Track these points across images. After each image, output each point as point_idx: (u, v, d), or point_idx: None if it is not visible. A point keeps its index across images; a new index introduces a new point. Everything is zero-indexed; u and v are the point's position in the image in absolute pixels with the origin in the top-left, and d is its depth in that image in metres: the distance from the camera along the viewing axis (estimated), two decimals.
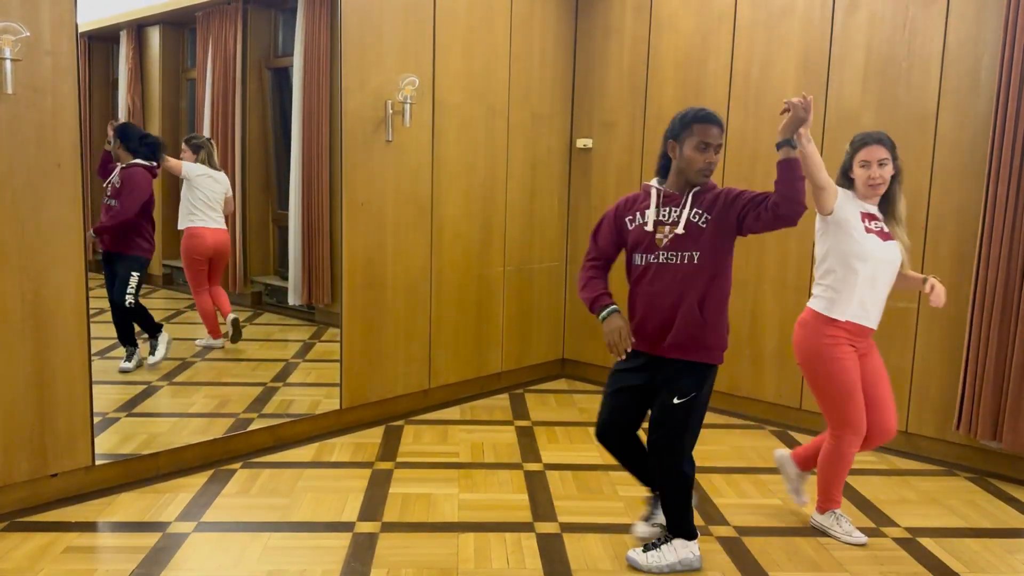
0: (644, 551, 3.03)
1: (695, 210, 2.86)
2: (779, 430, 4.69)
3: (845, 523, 3.33)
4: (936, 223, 4.15)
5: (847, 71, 4.38)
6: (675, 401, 2.88)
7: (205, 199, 4.96)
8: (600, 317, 2.89)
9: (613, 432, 3.08)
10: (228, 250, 5.15)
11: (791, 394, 4.73)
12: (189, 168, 4.93)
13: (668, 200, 2.91)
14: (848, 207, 3.11)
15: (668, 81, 5.07)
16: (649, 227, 2.91)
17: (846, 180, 3.19)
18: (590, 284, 3.00)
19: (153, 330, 4.78)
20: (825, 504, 3.37)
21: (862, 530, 3.39)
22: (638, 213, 2.96)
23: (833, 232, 3.12)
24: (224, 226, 5.05)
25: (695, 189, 2.89)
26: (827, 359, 3.13)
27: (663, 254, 2.88)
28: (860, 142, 3.14)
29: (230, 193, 5.05)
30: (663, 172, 3.00)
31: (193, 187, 4.91)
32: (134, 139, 4.63)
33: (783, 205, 2.68)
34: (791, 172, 2.68)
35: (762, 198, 2.77)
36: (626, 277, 3.03)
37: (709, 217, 2.84)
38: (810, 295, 3.28)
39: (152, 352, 4.75)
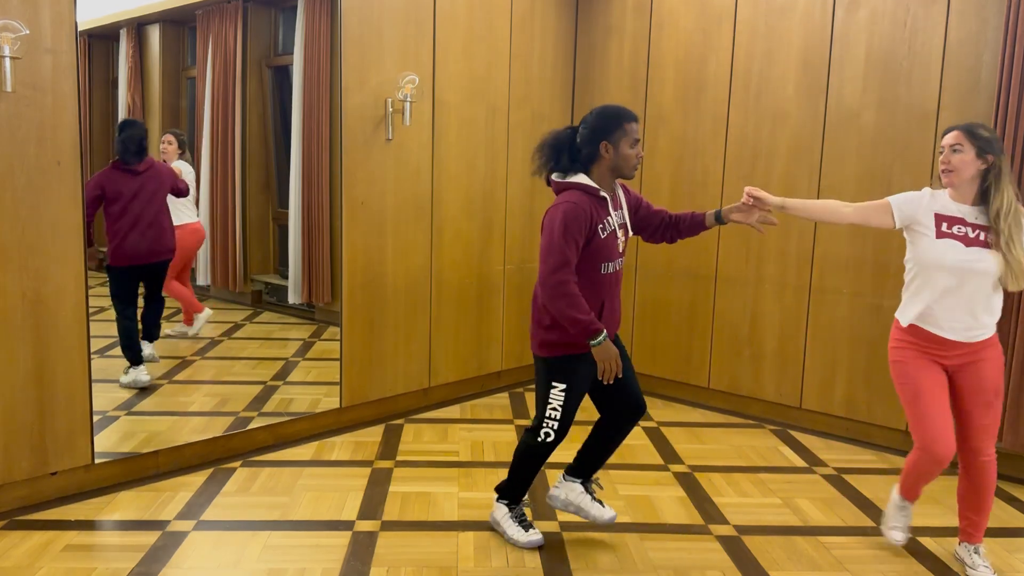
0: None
1: (622, 212, 3.08)
2: (779, 429, 4.69)
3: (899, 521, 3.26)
4: None
5: (847, 69, 4.37)
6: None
7: (191, 195, 4.99)
8: (595, 343, 2.85)
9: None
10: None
11: (791, 393, 4.73)
12: (182, 167, 4.92)
13: (614, 203, 3.05)
14: (919, 210, 2.96)
15: (668, 80, 5.07)
16: (619, 233, 3.02)
17: None
18: (581, 304, 2.85)
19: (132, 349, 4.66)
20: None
21: (862, 529, 3.39)
22: (607, 219, 2.97)
23: (908, 237, 3.04)
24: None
25: (618, 189, 3.08)
26: (891, 361, 3.06)
27: (620, 261, 3.06)
28: (945, 130, 2.96)
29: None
30: (576, 169, 2.99)
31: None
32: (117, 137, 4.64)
33: (681, 237, 3.20)
34: (702, 229, 3.17)
35: (660, 220, 3.18)
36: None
37: (628, 218, 3.11)
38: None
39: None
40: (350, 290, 4.43)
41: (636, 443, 4.39)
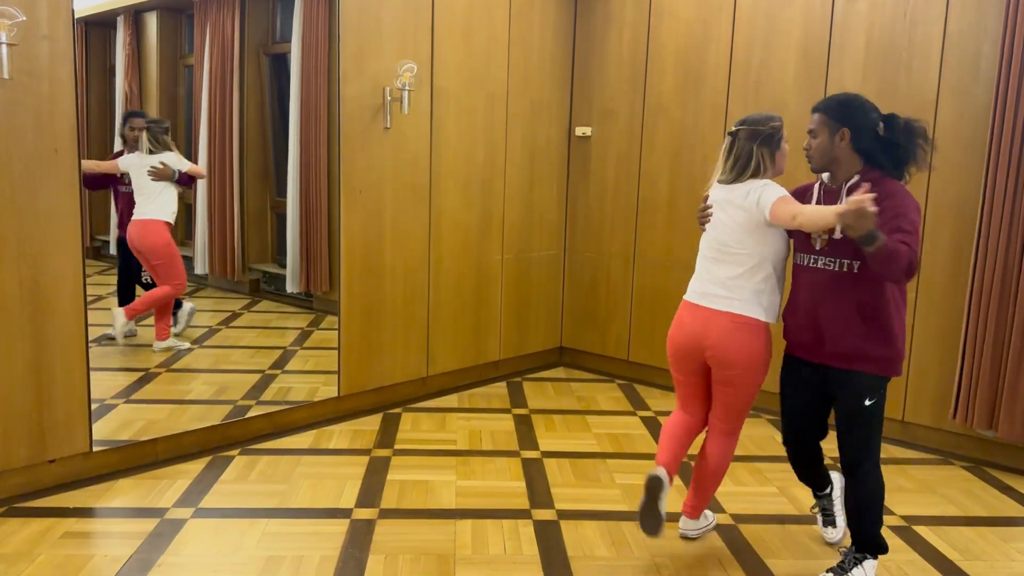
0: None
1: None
2: (775, 419, 4.70)
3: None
4: (935, 211, 4.15)
5: (847, 59, 4.36)
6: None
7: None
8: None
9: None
10: None
11: None
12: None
13: (828, 195, 2.82)
14: None
15: (668, 69, 5.05)
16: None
17: None
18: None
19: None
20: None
21: None
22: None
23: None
24: None
25: (851, 181, 2.75)
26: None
27: (819, 258, 2.78)
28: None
29: None
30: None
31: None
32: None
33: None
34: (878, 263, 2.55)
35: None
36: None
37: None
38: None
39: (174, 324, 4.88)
40: (348, 279, 4.43)
41: (634, 432, 4.41)
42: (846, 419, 2.82)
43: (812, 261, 2.80)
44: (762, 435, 4.43)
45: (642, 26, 5.14)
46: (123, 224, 4.76)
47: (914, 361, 4.26)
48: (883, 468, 3.99)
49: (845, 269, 2.72)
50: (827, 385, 2.86)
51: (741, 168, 2.88)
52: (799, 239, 2.86)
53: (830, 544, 3.20)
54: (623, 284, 5.39)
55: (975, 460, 4.12)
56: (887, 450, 4.26)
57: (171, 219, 4.74)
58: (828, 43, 4.42)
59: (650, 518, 2.86)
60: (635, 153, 5.25)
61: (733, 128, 2.92)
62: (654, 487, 2.84)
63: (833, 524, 3.22)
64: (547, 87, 5.37)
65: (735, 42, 4.76)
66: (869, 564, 2.85)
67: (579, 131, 5.50)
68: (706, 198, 2.99)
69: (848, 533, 2.98)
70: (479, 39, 4.89)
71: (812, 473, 3.11)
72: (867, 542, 2.85)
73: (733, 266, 2.88)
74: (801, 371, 2.92)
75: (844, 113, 2.77)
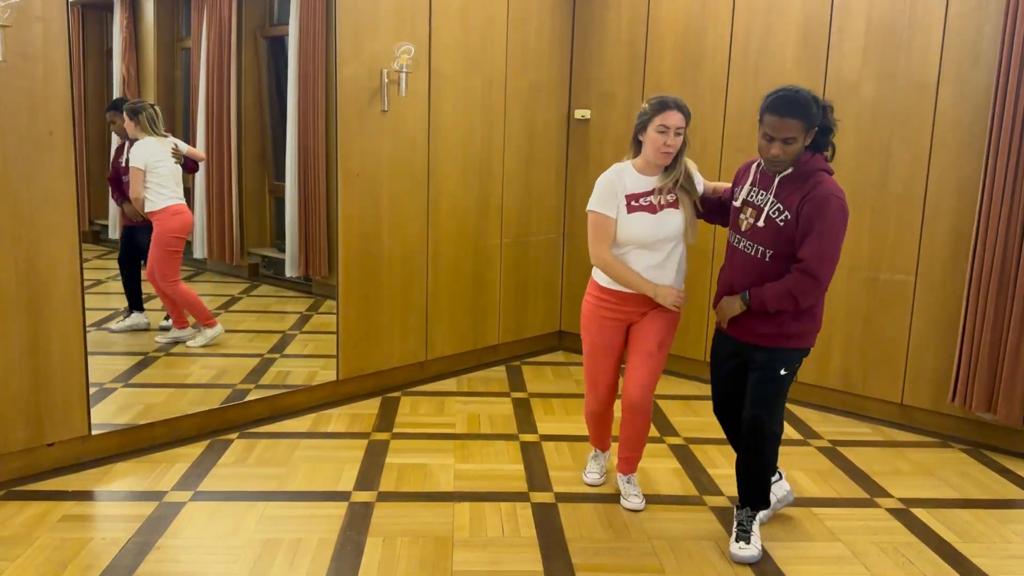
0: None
1: (777, 204, 2.79)
2: None
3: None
4: (935, 195, 4.13)
5: (847, 41, 4.33)
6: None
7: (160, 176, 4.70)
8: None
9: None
10: None
11: None
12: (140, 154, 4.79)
13: (763, 180, 2.89)
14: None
15: (667, 51, 5.02)
16: (743, 209, 2.91)
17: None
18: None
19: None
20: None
21: (856, 500, 3.42)
22: (739, 187, 2.97)
23: None
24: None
25: (783, 174, 2.81)
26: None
27: (744, 241, 2.90)
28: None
29: None
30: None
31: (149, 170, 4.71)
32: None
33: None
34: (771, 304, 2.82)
35: (798, 261, 2.77)
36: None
37: (788, 217, 2.76)
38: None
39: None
40: (346, 263, 4.42)
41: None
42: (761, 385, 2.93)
43: (736, 241, 2.94)
44: None
45: (641, 7, 5.10)
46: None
47: (913, 344, 4.26)
48: (882, 451, 4.02)
49: (759, 256, 2.84)
50: (746, 357, 2.97)
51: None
52: (732, 219, 2.97)
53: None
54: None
55: (973, 443, 4.12)
56: (885, 432, 4.26)
57: None
58: (828, 25, 4.38)
59: None
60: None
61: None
62: None
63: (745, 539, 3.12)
64: (545, 69, 5.33)
65: (735, 23, 4.72)
66: (758, 519, 3.06)
67: (578, 114, 5.47)
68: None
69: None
70: (477, 21, 4.85)
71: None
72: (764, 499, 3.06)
73: None
74: (726, 346, 3.05)
75: (815, 115, 2.74)
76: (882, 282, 4.31)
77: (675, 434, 4.16)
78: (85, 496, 3.27)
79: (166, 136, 4.64)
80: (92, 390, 3.57)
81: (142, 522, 3.06)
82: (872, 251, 4.33)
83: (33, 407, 3.36)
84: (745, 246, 2.87)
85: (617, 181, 3.09)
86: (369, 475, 3.55)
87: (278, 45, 5.27)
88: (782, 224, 2.76)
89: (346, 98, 4.28)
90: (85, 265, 3.47)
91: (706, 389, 4.92)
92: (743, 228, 2.88)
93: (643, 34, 5.12)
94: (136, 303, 4.82)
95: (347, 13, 4.23)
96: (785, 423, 4.35)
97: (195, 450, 3.74)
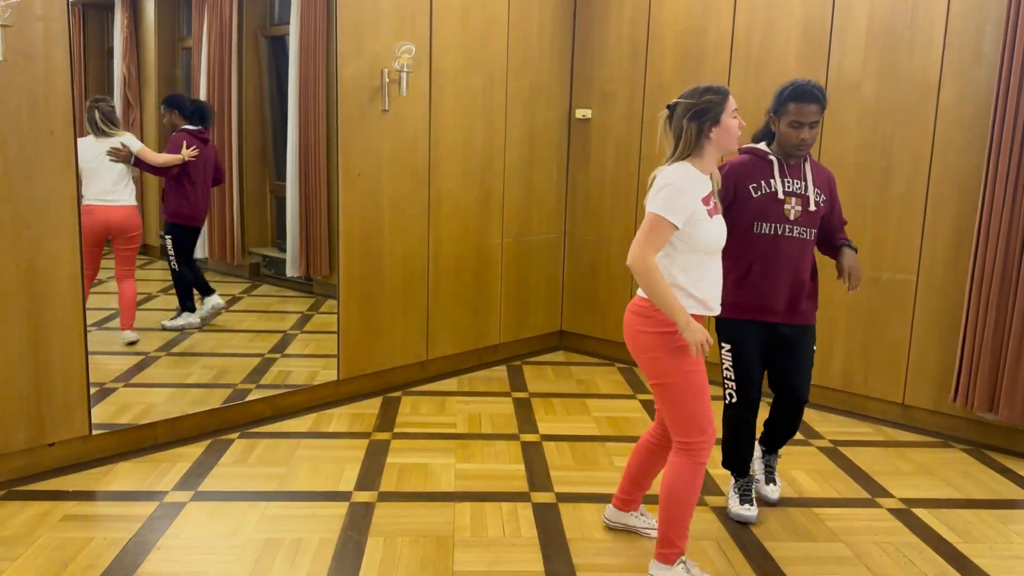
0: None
1: (815, 188, 3.09)
2: None
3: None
4: (936, 194, 4.12)
5: (849, 40, 4.32)
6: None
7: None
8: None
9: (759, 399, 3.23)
10: None
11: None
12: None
13: (791, 172, 3.09)
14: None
15: (668, 50, 5.01)
16: (788, 199, 3.06)
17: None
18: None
19: (191, 297, 4.88)
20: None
21: (857, 500, 3.41)
22: (768, 180, 3.06)
23: None
24: None
25: (807, 161, 3.11)
26: None
27: (789, 227, 3.06)
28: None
29: None
30: (759, 140, 3.19)
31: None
32: (187, 106, 4.72)
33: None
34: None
35: (830, 233, 3.21)
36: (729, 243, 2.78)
37: (824, 198, 3.13)
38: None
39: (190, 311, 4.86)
40: (347, 263, 4.42)
41: (633, 416, 4.40)
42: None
43: (787, 231, 3.06)
44: (761, 419, 4.41)
45: (643, 6, 5.10)
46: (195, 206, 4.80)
47: (915, 344, 4.25)
48: (883, 451, 4.02)
49: (809, 237, 3.10)
50: (791, 339, 3.15)
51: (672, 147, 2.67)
52: (768, 211, 3.05)
53: (773, 503, 3.36)
54: (623, 268, 5.34)
55: (975, 443, 4.11)
56: (886, 432, 4.26)
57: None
58: (830, 24, 4.37)
59: None
60: (635, 135, 5.21)
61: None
62: None
63: (775, 481, 3.43)
64: (547, 69, 5.33)
65: (736, 22, 4.72)
66: None
67: (579, 113, 5.47)
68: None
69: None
70: (478, 20, 4.85)
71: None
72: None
73: None
74: (760, 334, 3.14)
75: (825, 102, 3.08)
76: (884, 282, 4.31)
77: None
78: (86, 496, 3.27)
79: (112, 134, 4.45)
80: (93, 390, 3.57)
81: (143, 522, 3.05)
82: (873, 251, 4.32)
83: (34, 407, 3.36)
84: (799, 232, 3.06)
85: (696, 186, 2.62)
86: (370, 475, 3.55)
87: (279, 44, 5.27)
88: (822, 205, 3.10)
89: (347, 97, 4.27)
90: (83, 264, 3.46)
91: (710, 390, 4.90)
92: (792, 217, 3.05)
93: (644, 33, 5.11)
94: (203, 290, 4.95)
95: (348, 12, 4.22)
96: None
97: (196, 450, 3.73)
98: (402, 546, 2.95)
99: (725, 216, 2.83)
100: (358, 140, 4.36)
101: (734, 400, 3.15)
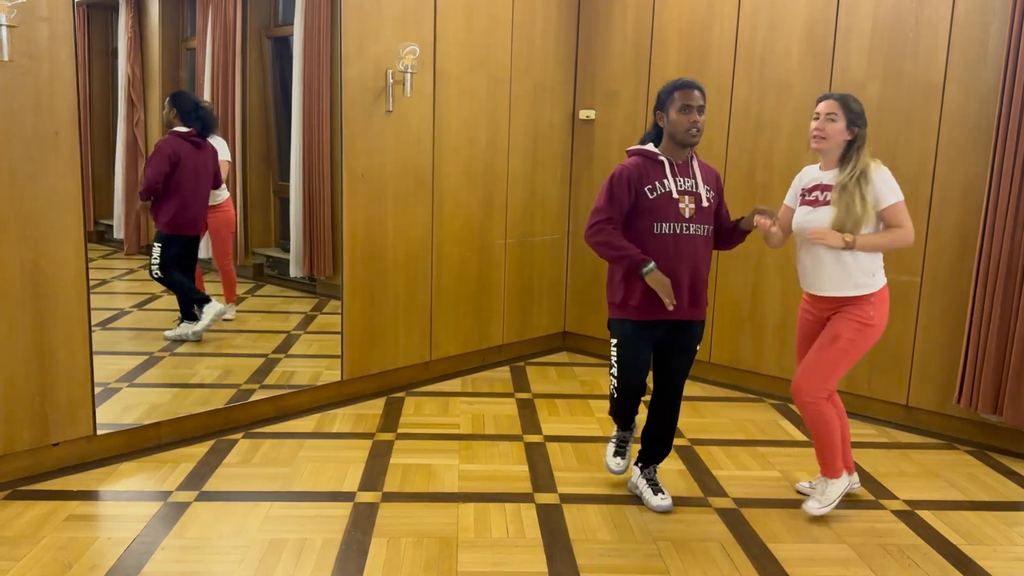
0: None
1: (706, 186, 3.18)
2: (779, 403, 4.70)
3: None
4: (941, 196, 4.12)
5: (853, 40, 4.32)
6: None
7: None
8: (645, 272, 3.05)
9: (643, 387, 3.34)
10: None
11: (792, 367, 4.71)
12: (225, 151, 4.91)
13: (680, 170, 3.17)
14: (796, 186, 3.34)
15: (672, 50, 5.01)
16: (682, 198, 3.13)
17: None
18: (622, 242, 3.10)
19: (190, 305, 4.80)
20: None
21: (861, 502, 3.41)
22: (660, 181, 3.12)
23: None
24: None
25: (693, 160, 3.20)
26: None
27: (687, 225, 3.13)
28: (819, 98, 3.25)
29: None
30: (648, 139, 3.26)
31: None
32: (189, 108, 4.63)
33: (723, 247, 3.35)
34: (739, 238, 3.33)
35: (720, 224, 3.27)
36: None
37: (713, 194, 3.22)
38: None
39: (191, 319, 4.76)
40: (351, 263, 4.42)
41: (636, 417, 4.39)
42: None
43: (684, 229, 3.13)
44: (765, 419, 4.43)
45: (646, 6, 5.10)
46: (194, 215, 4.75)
47: (919, 345, 4.25)
48: (887, 452, 4.01)
49: (706, 233, 3.18)
50: (682, 334, 3.24)
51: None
52: (664, 211, 3.12)
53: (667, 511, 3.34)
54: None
55: (979, 444, 4.11)
56: (890, 434, 4.25)
57: None
58: (834, 23, 4.37)
59: None
60: (639, 135, 5.18)
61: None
62: None
63: (663, 491, 3.41)
64: (550, 69, 5.33)
65: (740, 22, 4.72)
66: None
67: (583, 114, 5.47)
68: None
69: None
70: (482, 20, 4.85)
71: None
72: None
73: None
74: (656, 330, 3.22)
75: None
76: (888, 282, 4.28)
77: (680, 435, 4.15)
78: (90, 496, 3.28)
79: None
80: (97, 390, 3.58)
81: (147, 522, 3.06)
82: None
83: (38, 407, 3.36)
84: (695, 229, 3.14)
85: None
86: (374, 475, 3.55)
87: (283, 45, 5.28)
88: (713, 201, 3.19)
89: (351, 98, 4.28)
90: (90, 265, 3.47)
91: (711, 390, 4.92)
92: (688, 215, 3.12)
93: (648, 33, 5.11)
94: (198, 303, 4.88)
95: (352, 13, 4.23)
96: (789, 424, 4.36)
97: (200, 450, 3.74)
98: (406, 547, 2.96)
99: (626, 220, 3.14)
100: (362, 141, 4.36)
101: (616, 396, 3.32)
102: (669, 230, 3.11)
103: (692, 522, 3.23)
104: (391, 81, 4.38)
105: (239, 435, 3.94)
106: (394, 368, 4.73)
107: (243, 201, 5.27)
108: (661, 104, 3.15)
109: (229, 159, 4.98)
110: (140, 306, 5.11)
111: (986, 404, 3.94)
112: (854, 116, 3.11)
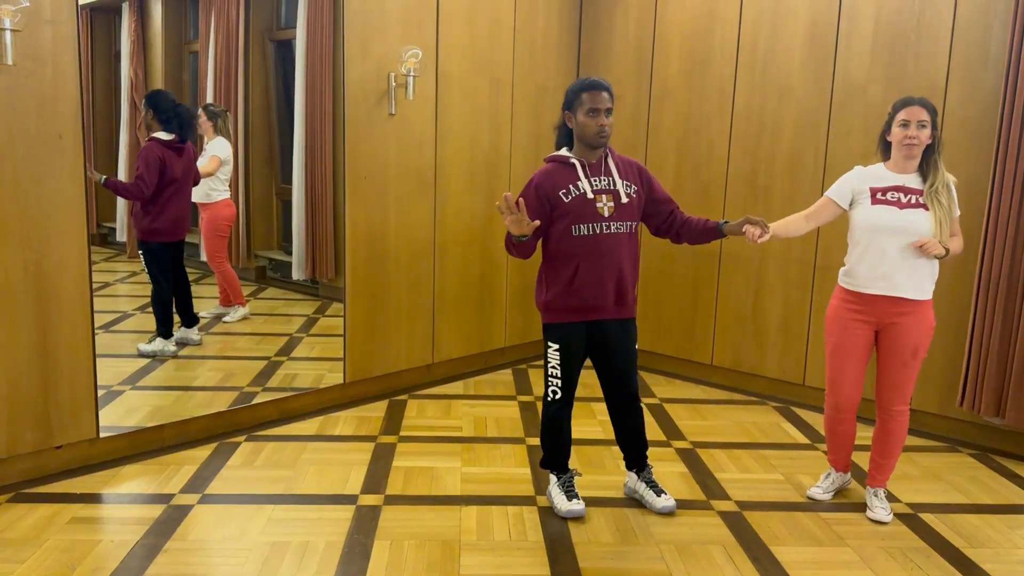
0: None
1: (624, 181, 3.15)
2: (781, 406, 4.70)
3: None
4: None
5: (855, 43, 4.32)
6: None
7: (225, 173, 4.96)
8: (516, 239, 3.03)
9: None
10: None
11: (794, 370, 4.73)
12: (224, 150, 4.91)
13: (594, 170, 3.14)
14: (855, 184, 3.25)
15: (674, 53, 5.02)
16: (598, 197, 3.10)
17: (883, 144, 3.26)
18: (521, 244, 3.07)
19: (186, 314, 4.79)
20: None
21: (864, 505, 3.41)
22: (575, 183, 3.10)
23: (851, 211, 3.28)
24: None
25: (609, 159, 3.15)
26: (826, 319, 3.37)
27: (606, 224, 3.09)
28: (901, 103, 3.18)
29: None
30: (562, 144, 3.24)
31: (224, 164, 4.90)
32: (167, 109, 4.49)
33: (684, 240, 3.31)
34: (713, 237, 3.26)
35: (668, 213, 3.25)
36: (549, 247, 3.18)
37: (637, 188, 3.18)
38: (816, 269, 3.30)
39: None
40: (353, 266, 4.43)
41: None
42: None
43: (604, 229, 3.09)
44: (768, 422, 4.43)
45: (648, 9, 5.10)
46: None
47: None
48: None
49: (631, 230, 3.15)
50: (616, 333, 3.23)
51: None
52: (581, 213, 3.08)
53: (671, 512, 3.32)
54: None
55: (982, 447, 4.10)
56: None
57: None
58: (836, 26, 4.37)
59: None
60: (641, 138, 5.22)
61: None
62: None
63: (664, 492, 3.38)
64: (553, 72, 5.33)
65: (742, 25, 4.72)
66: None
67: None
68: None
69: None
70: (484, 23, 4.85)
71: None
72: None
73: None
74: (587, 335, 3.23)
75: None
76: None
77: (682, 438, 4.15)
78: (93, 498, 3.28)
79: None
80: (100, 392, 3.58)
81: (150, 524, 3.06)
82: None
83: (42, 409, 3.37)
84: (616, 228, 3.11)
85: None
86: (376, 478, 3.56)
87: (285, 48, 5.29)
88: (635, 196, 3.15)
89: (353, 101, 4.28)
90: (93, 268, 3.48)
91: (713, 392, 4.92)
92: (607, 214, 3.09)
93: (650, 36, 5.11)
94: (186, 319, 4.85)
95: (354, 16, 4.23)
96: (791, 427, 4.35)
97: (203, 453, 3.74)
98: (408, 549, 2.96)
99: (548, 227, 3.12)
100: (364, 143, 4.36)
101: (558, 396, 3.26)
102: (588, 231, 3.08)
103: (694, 525, 3.22)
104: (393, 84, 4.39)
105: (242, 438, 3.94)
106: (396, 371, 4.73)
107: (245, 203, 5.29)
108: (569, 104, 3.11)
109: (221, 157, 4.92)
110: (143, 309, 5.11)
111: (989, 407, 3.94)
112: (935, 120, 3.13)
